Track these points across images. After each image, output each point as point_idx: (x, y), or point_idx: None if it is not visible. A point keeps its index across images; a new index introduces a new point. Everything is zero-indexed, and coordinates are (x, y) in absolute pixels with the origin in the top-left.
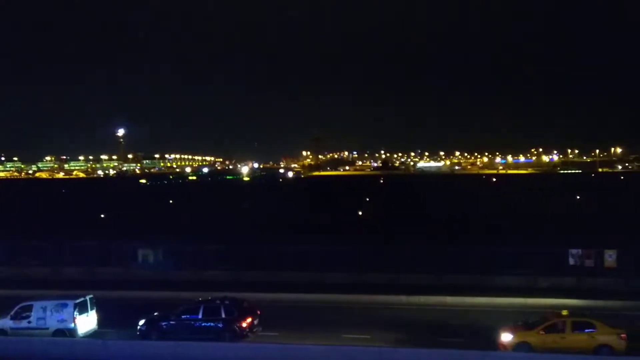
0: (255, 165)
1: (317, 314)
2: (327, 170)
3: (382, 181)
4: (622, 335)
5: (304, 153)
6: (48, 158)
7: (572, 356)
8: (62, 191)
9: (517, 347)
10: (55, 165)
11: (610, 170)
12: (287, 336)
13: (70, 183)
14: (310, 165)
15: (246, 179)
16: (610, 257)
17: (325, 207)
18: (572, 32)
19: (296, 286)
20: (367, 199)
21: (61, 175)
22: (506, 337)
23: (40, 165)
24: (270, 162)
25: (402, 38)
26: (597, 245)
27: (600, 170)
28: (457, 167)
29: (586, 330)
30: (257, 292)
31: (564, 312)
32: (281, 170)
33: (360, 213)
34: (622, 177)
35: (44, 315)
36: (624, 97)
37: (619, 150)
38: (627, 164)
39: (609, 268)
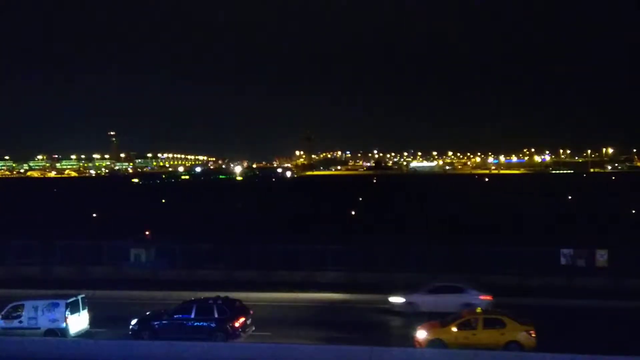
0: (244, 164)
1: (309, 313)
2: (320, 170)
3: (375, 181)
4: (531, 331)
5: (297, 152)
6: (40, 157)
7: (557, 355)
8: (54, 190)
9: (431, 343)
10: (47, 164)
11: (602, 171)
12: (279, 335)
13: (62, 182)
14: (303, 164)
15: (239, 178)
16: (601, 257)
17: (318, 207)
18: (565, 33)
19: (289, 285)
20: (360, 199)
21: (53, 174)
22: (421, 334)
23: (31, 164)
24: (263, 162)
25: (397, 38)
26: (588, 244)
27: (592, 170)
28: (447, 167)
29: (496, 327)
30: (249, 292)
31: (478, 310)
32: (279, 170)
33: (353, 212)
34: (613, 177)
35: (35, 315)
36: (616, 97)
37: (610, 150)
38: (616, 164)
39: (601, 268)
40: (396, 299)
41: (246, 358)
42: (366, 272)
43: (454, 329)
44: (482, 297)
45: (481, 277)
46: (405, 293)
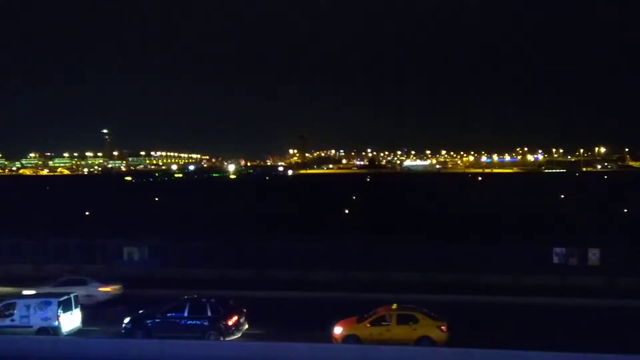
0: (242, 162)
1: (303, 312)
2: (314, 169)
3: (368, 179)
4: (442, 327)
5: (291, 151)
6: (32, 155)
7: (555, 354)
8: (47, 188)
9: (346, 339)
10: (40, 162)
11: (594, 170)
12: (273, 334)
13: (55, 180)
14: (297, 163)
15: (232, 176)
16: (593, 256)
17: (311, 205)
18: (559, 33)
19: (282, 284)
20: (354, 197)
21: (45, 172)
22: (337, 330)
23: (24, 162)
24: (258, 161)
25: (390, 38)
26: (580, 243)
27: (584, 169)
28: (438, 166)
29: (409, 323)
30: (243, 290)
31: (394, 306)
32: (281, 168)
33: (347, 211)
34: (605, 177)
35: (28, 313)
36: (610, 97)
37: (602, 150)
38: (605, 163)
39: (593, 266)
40: (28, 292)
41: (239, 357)
42: (360, 270)
43: (369, 325)
44: (101, 289)
45: (474, 276)
46: (37, 286)
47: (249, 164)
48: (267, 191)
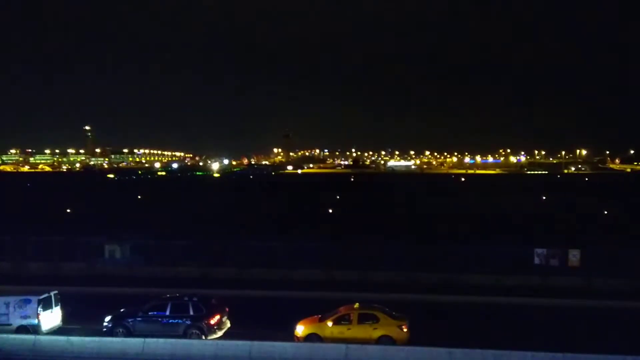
0: (226, 161)
1: (285, 311)
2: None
3: (352, 179)
4: (403, 326)
5: (275, 150)
6: (13, 151)
7: (549, 354)
8: (27, 185)
9: (307, 338)
10: (20, 159)
11: (575, 172)
12: (255, 333)
13: (36, 177)
14: (281, 162)
15: (216, 175)
16: (574, 257)
17: (294, 204)
18: (542, 36)
19: (265, 283)
20: (337, 197)
21: (26, 168)
22: (299, 329)
23: (4, 158)
24: (244, 159)
25: (376, 39)
26: (561, 244)
27: (565, 171)
28: (413, 167)
29: (370, 322)
30: (225, 289)
31: (356, 305)
32: (289, 167)
33: (330, 210)
34: (586, 179)
35: (7, 311)
36: (592, 99)
37: (584, 152)
38: (580, 166)
39: (573, 267)
40: None
41: (221, 355)
42: (343, 270)
43: (330, 324)
44: None
45: (457, 276)
46: None
47: (233, 162)
48: (250, 190)
